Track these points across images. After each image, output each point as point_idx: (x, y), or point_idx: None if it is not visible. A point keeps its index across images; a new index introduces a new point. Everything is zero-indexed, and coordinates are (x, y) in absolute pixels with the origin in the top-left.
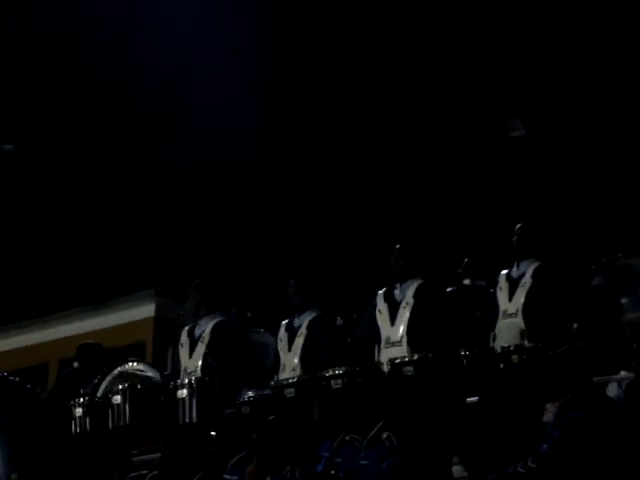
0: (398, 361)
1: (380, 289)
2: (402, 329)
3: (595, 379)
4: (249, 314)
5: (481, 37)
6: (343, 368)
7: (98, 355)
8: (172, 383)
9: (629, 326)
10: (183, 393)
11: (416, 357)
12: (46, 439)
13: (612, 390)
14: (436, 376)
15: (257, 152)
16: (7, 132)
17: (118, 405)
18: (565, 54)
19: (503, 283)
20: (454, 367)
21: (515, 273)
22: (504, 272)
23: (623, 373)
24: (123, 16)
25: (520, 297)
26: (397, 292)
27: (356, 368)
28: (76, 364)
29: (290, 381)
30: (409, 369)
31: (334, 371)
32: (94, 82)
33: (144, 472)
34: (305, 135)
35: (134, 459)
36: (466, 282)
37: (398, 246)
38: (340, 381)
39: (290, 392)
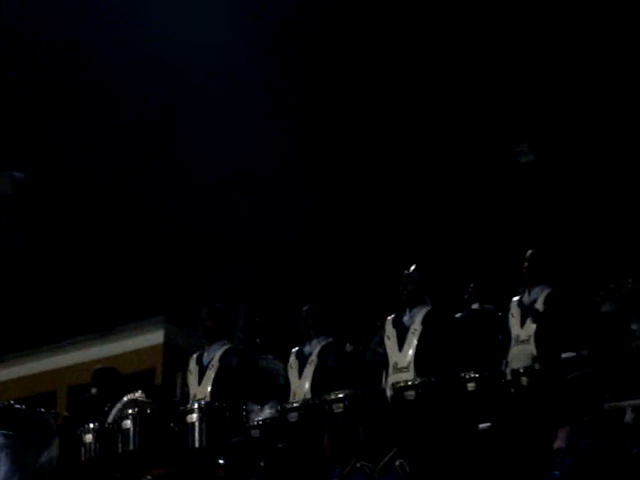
0: (399, 385)
1: (389, 315)
2: (410, 355)
3: (606, 405)
4: (258, 340)
5: (489, 62)
6: (345, 391)
7: (115, 380)
8: (181, 408)
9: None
10: (193, 418)
11: (418, 381)
12: (60, 465)
13: (628, 416)
14: (438, 400)
15: (268, 179)
16: (18, 160)
17: (128, 430)
18: (573, 79)
19: (515, 310)
20: (457, 391)
21: (527, 299)
22: (515, 299)
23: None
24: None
25: (532, 324)
26: (406, 318)
27: (359, 392)
28: (94, 390)
29: (294, 405)
30: (410, 393)
31: (336, 395)
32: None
33: None
34: (313, 166)
35: None
36: (475, 306)
37: (406, 272)
38: (342, 405)
39: (293, 416)
